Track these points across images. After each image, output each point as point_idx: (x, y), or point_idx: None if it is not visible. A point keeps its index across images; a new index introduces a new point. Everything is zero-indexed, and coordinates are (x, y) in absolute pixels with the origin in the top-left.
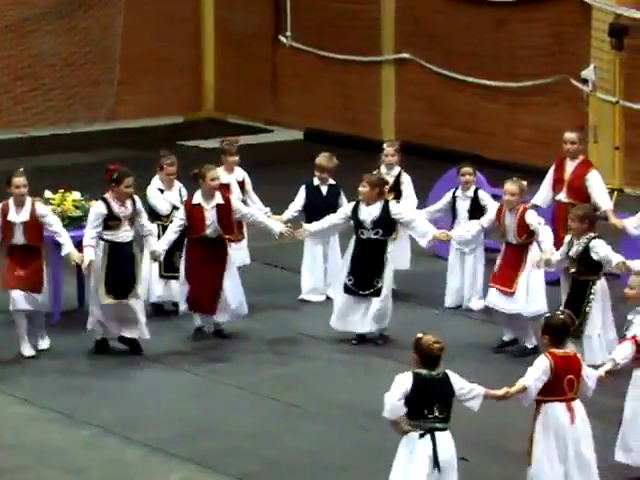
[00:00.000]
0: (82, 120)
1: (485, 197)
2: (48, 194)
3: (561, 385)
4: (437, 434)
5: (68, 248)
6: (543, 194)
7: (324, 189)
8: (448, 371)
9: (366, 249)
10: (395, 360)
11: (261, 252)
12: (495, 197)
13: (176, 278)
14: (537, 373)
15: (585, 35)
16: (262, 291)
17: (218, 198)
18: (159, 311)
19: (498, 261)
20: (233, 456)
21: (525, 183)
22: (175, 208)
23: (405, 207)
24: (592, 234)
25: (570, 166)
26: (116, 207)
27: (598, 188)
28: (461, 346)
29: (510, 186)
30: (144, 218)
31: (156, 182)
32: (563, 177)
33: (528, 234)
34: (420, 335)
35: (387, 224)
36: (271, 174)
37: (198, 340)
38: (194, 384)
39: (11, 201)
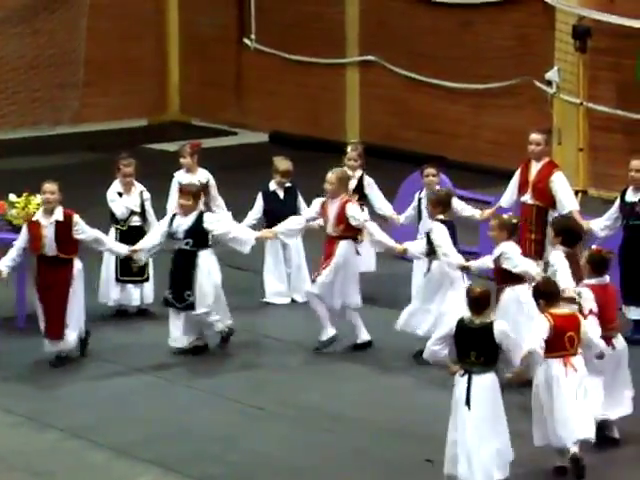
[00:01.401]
0: (46, 123)
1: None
2: (12, 197)
3: (561, 342)
4: (474, 376)
5: None
6: (508, 196)
7: (281, 193)
8: (496, 322)
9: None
10: (360, 363)
11: (224, 254)
12: (460, 198)
13: (133, 282)
14: (539, 335)
15: (549, 37)
16: (226, 293)
17: (58, 214)
18: (120, 314)
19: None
20: (197, 459)
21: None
22: (133, 213)
23: (220, 219)
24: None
25: (535, 168)
26: None
27: (563, 189)
28: None
29: (331, 175)
30: None
31: (116, 186)
32: (528, 179)
33: (346, 226)
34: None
35: (199, 234)
36: (236, 177)
37: (161, 343)
38: (158, 387)
39: None
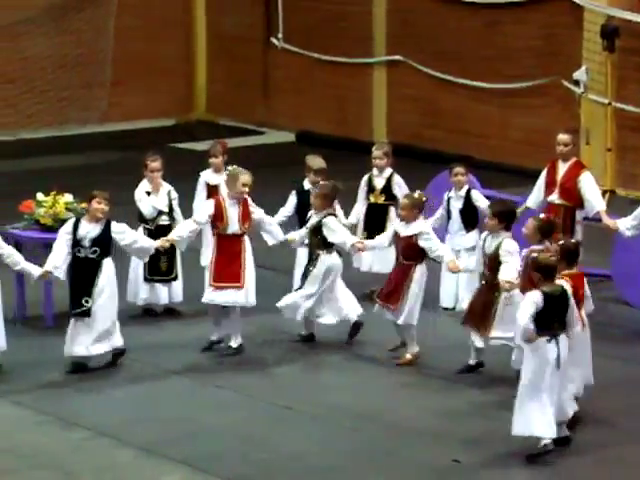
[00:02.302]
0: (74, 122)
1: (478, 197)
2: (40, 196)
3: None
4: (560, 338)
5: None
6: (535, 196)
7: (314, 192)
8: (562, 281)
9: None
10: (385, 362)
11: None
12: (488, 198)
13: (161, 281)
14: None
15: (577, 37)
16: (257, 293)
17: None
18: (147, 314)
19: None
20: (225, 458)
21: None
22: (161, 212)
23: (125, 229)
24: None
25: (562, 168)
26: None
27: (591, 189)
28: (454, 346)
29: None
30: None
31: (144, 185)
32: (555, 179)
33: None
34: (535, 255)
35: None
36: (263, 176)
37: (189, 343)
38: (186, 386)
39: None
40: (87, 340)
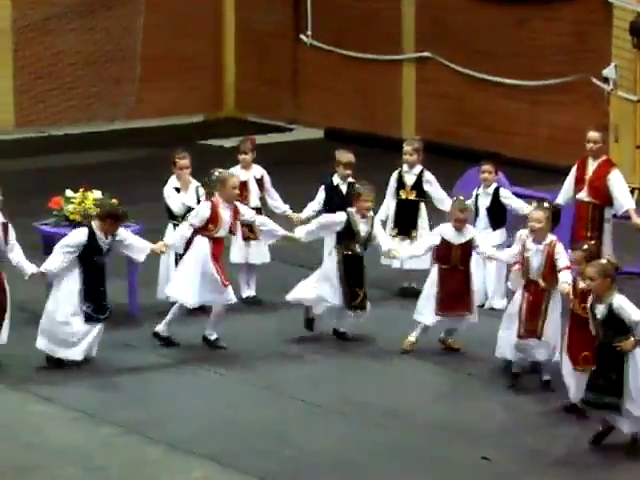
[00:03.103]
0: (102, 119)
1: (507, 195)
2: (69, 193)
3: None
4: None
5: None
6: (564, 194)
7: (344, 188)
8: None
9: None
10: (416, 358)
11: (280, 250)
12: (516, 195)
13: None
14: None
15: (606, 34)
16: (282, 290)
17: None
18: None
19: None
20: (252, 455)
21: None
22: (189, 209)
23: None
24: None
25: (592, 165)
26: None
27: (620, 187)
28: (484, 344)
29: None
30: None
31: (172, 181)
32: (585, 176)
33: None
34: (604, 261)
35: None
36: (291, 173)
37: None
38: (214, 383)
39: None
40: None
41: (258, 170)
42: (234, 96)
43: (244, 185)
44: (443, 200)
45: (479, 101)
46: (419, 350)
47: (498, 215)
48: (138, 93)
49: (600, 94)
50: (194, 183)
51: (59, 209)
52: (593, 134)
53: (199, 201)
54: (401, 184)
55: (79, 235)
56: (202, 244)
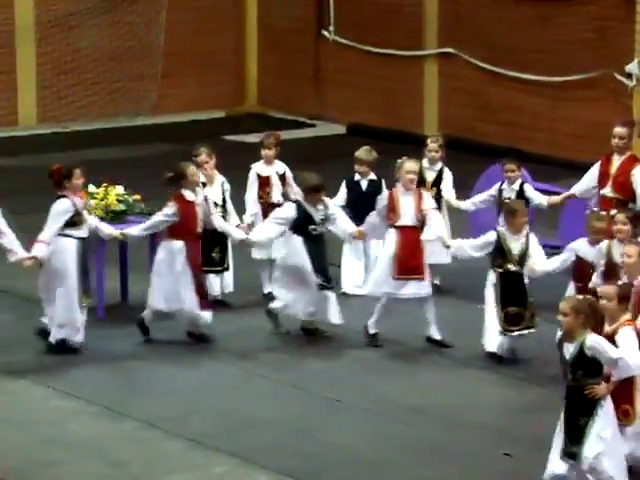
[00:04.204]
0: (125, 114)
1: (532, 192)
2: (92, 188)
3: None
4: None
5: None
6: (582, 185)
7: (364, 184)
8: None
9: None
10: (439, 355)
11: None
12: (539, 191)
13: (214, 272)
14: (636, 345)
15: (629, 29)
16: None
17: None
18: None
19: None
20: (274, 450)
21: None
22: (215, 204)
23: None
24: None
25: (617, 161)
26: (77, 201)
27: None
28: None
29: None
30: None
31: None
32: (609, 172)
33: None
34: (579, 297)
35: None
36: (314, 168)
37: (240, 334)
38: (236, 378)
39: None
40: None
41: (281, 166)
42: (256, 91)
43: (266, 180)
44: (450, 199)
45: (501, 97)
46: (434, 346)
47: None
48: (160, 89)
49: (623, 90)
50: (219, 178)
51: None
52: (619, 129)
53: (224, 196)
54: (421, 180)
55: (288, 209)
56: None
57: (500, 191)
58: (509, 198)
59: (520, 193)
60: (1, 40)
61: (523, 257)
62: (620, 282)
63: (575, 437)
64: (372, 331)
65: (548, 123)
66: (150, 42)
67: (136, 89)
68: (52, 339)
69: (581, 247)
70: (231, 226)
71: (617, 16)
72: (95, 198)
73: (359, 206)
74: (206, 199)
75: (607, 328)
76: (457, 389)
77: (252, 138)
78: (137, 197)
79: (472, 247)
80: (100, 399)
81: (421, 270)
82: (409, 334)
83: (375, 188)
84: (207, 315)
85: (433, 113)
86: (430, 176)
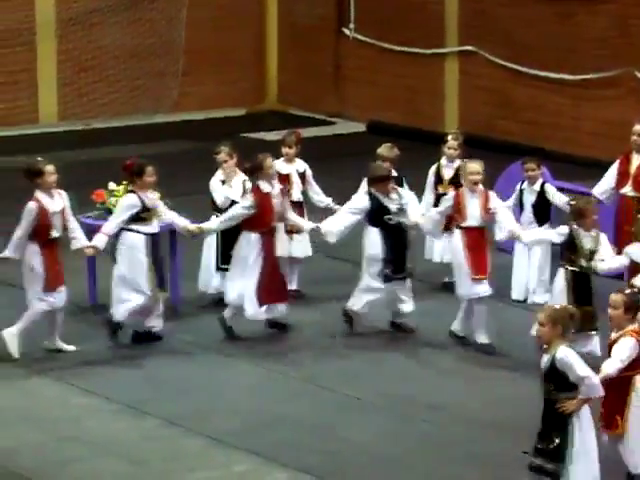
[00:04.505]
0: (146, 112)
1: (551, 191)
2: (112, 186)
3: None
4: None
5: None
6: (602, 186)
7: None
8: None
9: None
10: (458, 352)
11: (323, 244)
12: (560, 190)
13: None
14: (624, 358)
15: None
16: (324, 283)
17: (277, 186)
18: (218, 303)
19: (465, 250)
20: (294, 448)
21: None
22: (233, 202)
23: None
24: None
25: (636, 160)
26: (146, 198)
27: None
28: (524, 338)
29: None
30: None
31: (219, 174)
32: (629, 170)
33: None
34: (557, 306)
35: None
36: (334, 166)
37: (259, 333)
38: (256, 376)
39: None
40: None
41: (301, 164)
42: (276, 89)
43: (286, 178)
44: None
45: (522, 95)
46: (461, 344)
47: (543, 211)
48: (181, 86)
49: None
50: (241, 176)
51: (102, 202)
52: (639, 127)
53: (245, 194)
54: (439, 178)
55: (361, 199)
56: None
57: (521, 191)
58: (535, 203)
59: (541, 193)
60: (22, 37)
61: (593, 254)
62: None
63: (554, 455)
64: (461, 334)
65: (569, 121)
66: (171, 39)
67: (157, 86)
68: (133, 330)
69: (634, 251)
70: (300, 217)
71: (638, 14)
72: (115, 195)
73: None
74: (282, 191)
75: (613, 335)
76: (477, 387)
77: (272, 136)
78: (157, 195)
79: (549, 235)
80: (120, 397)
81: (485, 270)
82: (429, 332)
83: (398, 185)
84: (282, 307)
85: (453, 111)
86: (448, 174)
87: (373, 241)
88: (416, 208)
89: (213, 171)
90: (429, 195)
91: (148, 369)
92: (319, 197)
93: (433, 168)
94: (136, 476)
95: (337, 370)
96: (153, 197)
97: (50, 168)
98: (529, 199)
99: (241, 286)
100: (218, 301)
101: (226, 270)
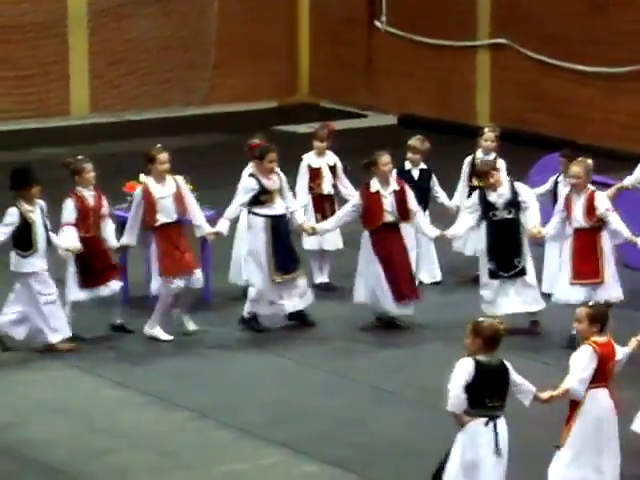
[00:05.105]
0: (177, 104)
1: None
2: (143, 178)
3: (604, 372)
4: (498, 422)
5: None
6: (633, 178)
7: (415, 173)
8: (504, 360)
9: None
10: None
11: (354, 237)
12: (592, 183)
13: None
14: (583, 368)
15: None
16: (354, 276)
17: (394, 185)
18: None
19: (570, 252)
20: (325, 441)
21: (590, 162)
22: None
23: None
24: None
25: None
26: (265, 181)
27: None
28: (557, 330)
29: (576, 168)
30: (289, 194)
31: (250, 167)
32: None
33: (597, 218)
34: (481, 319)
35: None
36: (365, 159)
37: (291, 325)
38: (287, 369)
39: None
40: None
41: (331, 157)
42: (308, 82)
43: (317, 172)
44: None
45: (554, 88)
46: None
47: None
48: (212, 78)
49: None
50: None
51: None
52: None
53: (281, 185)
54: (474, 170)
55: (473, 196)
56: None
57: (556, 183)
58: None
59: None
60: (54, 29)
61: None
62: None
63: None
64: None
65: (601, 114)
66: (202, 32)
67: (188, 79)
68: (245, 313)
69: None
70: (425, 223)
71: None
72: None
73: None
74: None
75: None
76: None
77: (304, 129)
78: (189, 187)
79: None
80: (150, 389)
81: (597, 274)
82: (463, 325)
83: (426, 177)
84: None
85: (485, 104)
86: None
87: (482, 236)
88: (533, 212)
89: (245, 164)
90: (463, 186)
91: (179, 361)
92: (348, 190)
93: (469, 159)
94: (166, 468)
95: (368, 363)
96: (272, 181)
97: (163, 156)
98: (564, 191)
99: (369, 285)
100: (246, 293)
101: None
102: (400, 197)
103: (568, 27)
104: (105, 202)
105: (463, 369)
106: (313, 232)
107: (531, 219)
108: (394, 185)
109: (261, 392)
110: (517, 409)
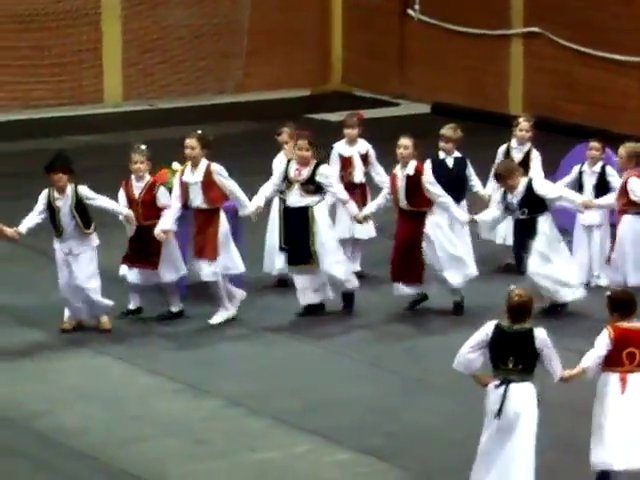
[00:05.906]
0: (210, 92)
1: (612, 173)
2: (176, 165)
3: (619, 357)
4: (511, 386)
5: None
6: None
7: (450, 162)
8: (537, 329)
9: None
10: None
11: (385, 225)
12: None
13: None
14: (598, 350)
15: None
16: (386, 264)
17: (410, 169)
18: (281, 284)
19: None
20: (356, 430)
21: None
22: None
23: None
24: None
25: None
26: (291, 169)
27: None
28: (588, 320)
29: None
30: (334, 186)
31: (281, 155)
32: None
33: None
34: (512, 287)
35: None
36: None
37: (324, 314)
38: (319, 357)
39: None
40: None
41: (363, 145)
42: (341, 70)
43: (348, 161)
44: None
45: (587, 77)
46: None
47: (604, 193)
48: (245, 67)
49: None
50: None
51: (165, 183)
52: None
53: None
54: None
55: (500, 191)
56: None
57: (580, 173)
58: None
59: (601, 175)
60: (87, 18)
61: None
62: None
63: None
64: None
65: (635, 103)
66: (235, 20)
67: (221, 67)
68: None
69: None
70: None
71: None
72: None
73: (446, 184)
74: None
75: None
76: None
77: (336, 117)
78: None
79: None
80: (183, 377)
81: None
82: (494, 314)
83: (461, 166)
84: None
85: (518, 93)
86: (517, 156)
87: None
88: (569, 192)
89: (277, 152)
90: None
91: (211, 349)
92: (381, 177)
93: (503, 148)
94: (199, 455)
95: (400, 351)
96: (301, 171)
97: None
98: (590, 181)
99: None
100: (281, 282)
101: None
102: (412, 182)
103: (602, 15)
104: (157, 193)
105: (481, 330)
106: (365, 220)
107: (574, 197)
108: (410, 170)
109: (293, 380)
110: (554, 397)
